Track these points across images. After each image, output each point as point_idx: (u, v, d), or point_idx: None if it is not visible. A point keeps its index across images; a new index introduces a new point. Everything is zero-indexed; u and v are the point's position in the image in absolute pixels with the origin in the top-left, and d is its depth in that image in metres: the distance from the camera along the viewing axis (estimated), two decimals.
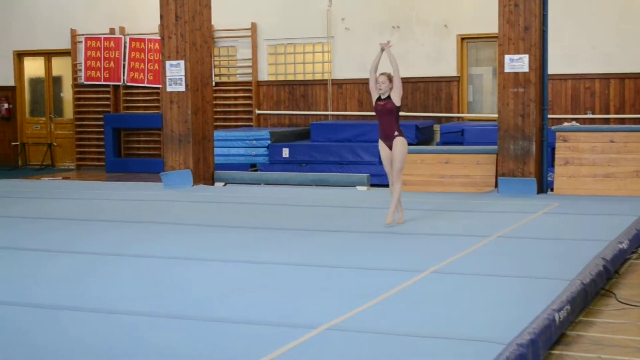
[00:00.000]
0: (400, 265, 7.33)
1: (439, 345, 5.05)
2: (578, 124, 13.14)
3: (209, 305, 6.11)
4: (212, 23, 17.00)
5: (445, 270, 7.11)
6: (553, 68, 15.77)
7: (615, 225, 9.15)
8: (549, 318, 5.57)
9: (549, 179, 12.53)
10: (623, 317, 6.42)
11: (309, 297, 6.30)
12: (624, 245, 8.29)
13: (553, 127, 12.80)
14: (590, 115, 16.09)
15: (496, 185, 12.43)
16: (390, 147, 9.46)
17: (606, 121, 15.96)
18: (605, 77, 16.13)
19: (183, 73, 13.75)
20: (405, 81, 17.40)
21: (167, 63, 13.87)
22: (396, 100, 9.46)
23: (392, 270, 7.13)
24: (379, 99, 9.59)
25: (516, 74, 12.13)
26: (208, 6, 14.20)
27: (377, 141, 9.23)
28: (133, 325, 5.59)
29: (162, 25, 13.92)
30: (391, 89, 9.54)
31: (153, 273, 7.28)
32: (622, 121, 15.82)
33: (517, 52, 12.12)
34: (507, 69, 12.16)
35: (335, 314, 5.67)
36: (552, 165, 12.58)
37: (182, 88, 13.77)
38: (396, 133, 9.44)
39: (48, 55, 20.75)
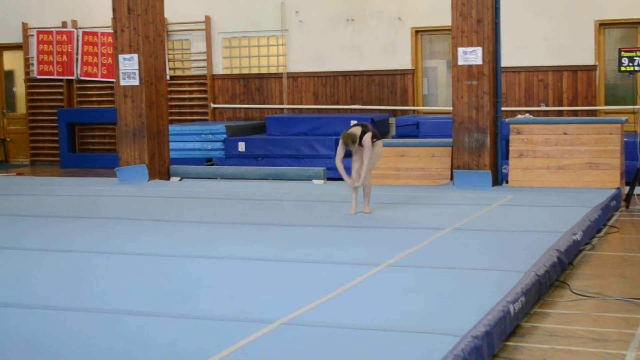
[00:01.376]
0: (357, 259, 7.34)
1: (394, 338, 5.06)
2: (531, 116, 13.24)
3: (164, 301, 6.07)
4: (166, 16, 16.89)
5: (401, 264, 7.13)
6: (507, 60, 15.87)
7: (569, 217, 9.23)
8: (503, 310, 5.61)
9: (504, 171, 12.61)
10: (577, 308, 6.49)
11: (265, 292, 6.29)
12: (578, 237, 8.37)
13: (507, 120, 12.88)
14: (543, 108, 16.22)
15: (452, 178, 12.48)
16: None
17: (559, 113, 16.10)
18: (558, 70, 16.26)
19: (137, 67, 13.64)
20: (360, 74, 17.48)
21: (120, 57, 13.75)
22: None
23: (348, 264, 7.14)
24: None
25: (470, 66, 12.18)
26: None
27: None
28: (79, 322, 5.53)
29: (114, 19, 13.79)
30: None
31: (105, 269, 7.22)
32: (575, 113, 15.97)
33: (471, 45, 12.18)
34: (460, 62, 12.22)
35: (291, 309, 5.66)
36: (507, 158, 12.66)
37: (136, 82, 13.66)
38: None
39: (0, 49, 20.47)
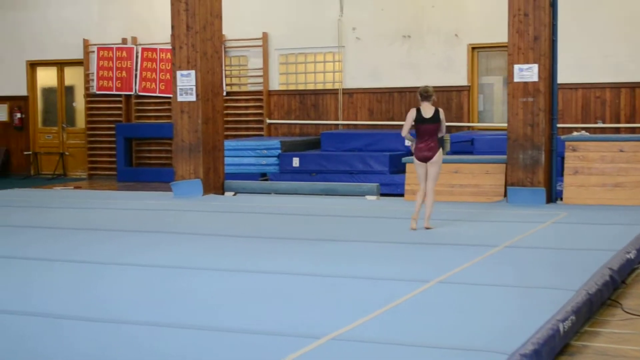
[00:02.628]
0: (407, 275, 7.36)
1: (442, 355, 5.08)
2: (587, 134, 13.14)
3: (215, 314, 6.15)
4: (224, 33, 17.12)
5: (452, 280, 7.13)
6: (564, 77, 15.80)
7: (623, 235, 9.16)
8: (553, 328, 5.59)
9: (559, 188, 12.54)
10: (629, 327, 6.43)
11: (315, 307, 6.34)
12: (632, 255, 8.30)
13: (562, 137, 12.81)
14: (600, 125, 16.09)
15: (505, 195, 12.44)
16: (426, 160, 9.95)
17: (617, 130, 15.96)
18: (616, 87, 16.13)
19: (194, 83, 13.84)
20: (416, 90, 17.45)
21: (178, 73, 13.96)
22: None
23: (399, 280, 7.16)
24: (423, 118, 9.94)
25: (525, 83, 12.16)
26: (219, 16, 14.30)
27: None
28: (138, 335, 5.63)
29: (173, 36, 14.01)
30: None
31: (160, 282, 7.33)
32: (632, 130, 15.82)
33: (527, 62, 12.16)
34: (516, 79, 12.20)
35: (341, 324, 5.70)
36: (562, 175, 12.58)
37: (193, 98, 13.85)
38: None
39: (60, 65, 20.87)
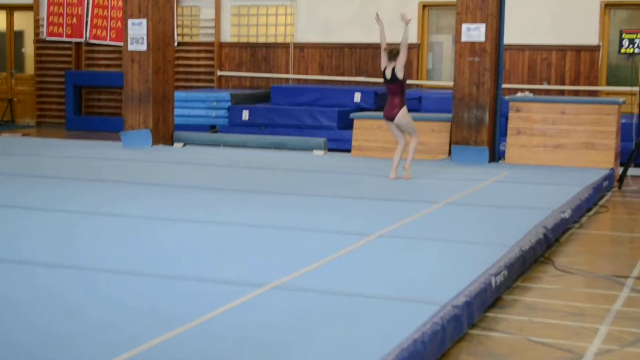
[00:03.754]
0: (350, 229, 7.57)
1: (377, 305, 5.30)
2: (531, 95, 13.40)
3: (163, 263, 6.30)
4: None
5: (392, 235, 7.36)
6: (511, 38, 16.03)
7: (560, 195, 9.45)
8: (485, 282, 5.85)
9: (502, 148, 12.81)
10: (559, 283, 6.73)
11: (259, 257, 6.53)
12: (566, 215, 8.59)
13: (506, 97, 13.06)
14: (546, 86, 16.38)
15: (450, 153, 12.69)
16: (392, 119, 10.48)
17: (561, 92, 16.26)
18: (562, 49, 16.41)
19: (145, 32, 13.83)
20: (366, 47, 17.64)
21: (129, 21, 13.94)
22: (399, 71, 10.32)
23: (341, 234, 7.37)
24: (385, 79, 10.44)
25: (473, 43, 12.36)
26: None
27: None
28: (92, 280, 5.78)
29: None
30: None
31: (112, 231, 7.45)
32: (576, 93, 16.12)
33: (475, 21, 12.34)
34: (463, 38, 12.39)
35: (282, 274, 5.90)
36: (505, 135, 12.85)
37: (144, 47, 13.86)
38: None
39: (10, 9, 20.63)
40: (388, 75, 10.41)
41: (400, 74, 10.33)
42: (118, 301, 5.32)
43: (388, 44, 10.57)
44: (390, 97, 10.46)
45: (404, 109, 10.48)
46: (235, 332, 4.76)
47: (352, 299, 5.42)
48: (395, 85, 10.37)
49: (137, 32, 13.88)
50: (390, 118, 10.47)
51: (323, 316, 5.10)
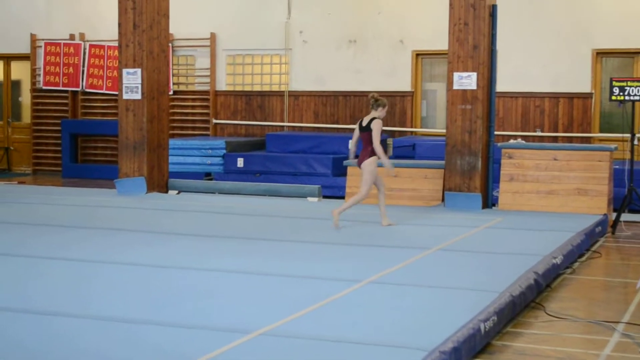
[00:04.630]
0: (341, 275, 7.56)
1: (365, 351, 5.27)
2: (524, 142, 13.48)
3: (151, 309, 6.28)
4: (172, 32, 17.23)
5: (383, 281, 7.35)
6: (504, 86, 16.19)
7: (552, 241, 9.46)
8: (474, 327, 5.83)
9: (495, 194, 12.85)
10: (550, 329, 6.71)
11: (249, 304, 6.51)
12: (558, 260, 8.59)
13: (499, 144, 13.12)
14: (539, 133, 16.46)
15: (443, 200, 12.72)
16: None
17: (554, 139, 16.34)
18: (555, 96, 16.51)
19: (140, 81, 13.93)
20: (361, 95, 17.74)
21: (124, 71, 14.04)
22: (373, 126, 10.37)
23: (332, 280, 7.36)
24: (360, 126, 10.50)
25: (464, 91, 12.45)
26: (166, 15, 14.40)
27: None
28: (65, 328, 5.74)
29: (120, 33, 14.09)
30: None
31: (97, 278, 7.45)
32: (570, 139, 16.20)
33: (466, 70, 12.44)
34: (455, 86, 12.48)
35: (272, 320, 5.89)
36: (498, 181, 12.89)
37: (139, 96, 13.94)
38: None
39: (7, 59, 20.77)
40: (364, 123, 10.42)
41: (373, 127, 10.32)
42: (105, 349, 5.30)
43: (374, 94, 10.59)
44: (363, 144, 10.51)
45: (373, 159, 10.42)
46: None
47: (340, 345, 5.40)
48: (366, 133, 10.40)
49: (132, 81, 13.97)
50: (359, 164, 10.54)
51: None
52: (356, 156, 10.90)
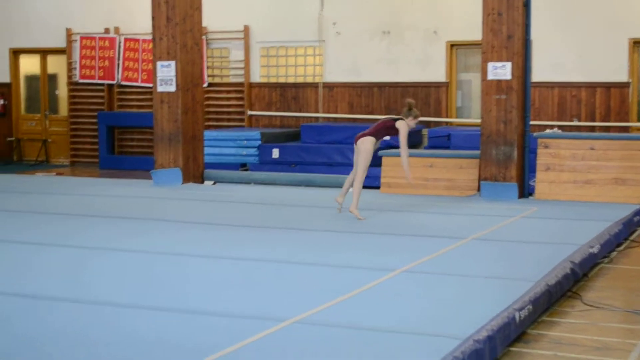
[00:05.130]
0: (375, 264, 7.52)
1: (399, 339, 5.24)
2: (560, 131, 13.35)
3: (188, 298, 6.30)
4: (206, 25, 17.28)
5: (417, 270, 7.30)
6: (541, 76, 16.07)
7: (589, 230, 9.34)
8: (508, 316, 5.77)
9: (531, 184, 12.73)
10: (586, 318, 6.63)
11: (284, 292, 6.51)
12: (595, 250, 8.49)
13: (535, 134, 13.00)
14: (576, 123, 16.30)
15: (479, 189, 12.62)
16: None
17: (591, 128, 16.17)
18: (592, 86, 16.34)
19: (174, 74, 13.95)
20: (395, 85, 17.68)
21: (158, 64, 14.07)
22: (399, 126, 10.35)
23: (367, 269, 7.32)
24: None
25: (499, 81, 12.33)
26: (199, 9, 14.41)
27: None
28: (114, 316, 5.78)
29: (153, 27, 14.12)
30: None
31: (138, 267, 7.48)
32: (607, 129, 16.04)
33: (500, 60, 12.32)
34: (490, 76, 12.37)
35: (305, 308, 5.87)
36: (534, 171, 12.77)
37: (173, 88, 13.98)
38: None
39: (44, 53, 20.94)
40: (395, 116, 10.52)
41: (398, 126, 10.30)
42: (141, 337, 5.32)
43: (411, 102, 10.61)
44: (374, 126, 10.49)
45: (371, 140, 10.31)
46: None
47: (374, 333, 5.37)
48: (384, 122, 10.42)
49: (166, 74, 14.00)
50: (356, 141, 10.45)
51: (344, 350, 5.05)
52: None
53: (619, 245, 9.74)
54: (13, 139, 21.25)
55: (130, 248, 8.30)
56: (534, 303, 6.32)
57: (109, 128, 19.74)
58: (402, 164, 10.41)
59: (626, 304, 7.09)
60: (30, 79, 21.36)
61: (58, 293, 6.42)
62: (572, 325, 6.44)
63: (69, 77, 20.39)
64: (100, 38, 19.78)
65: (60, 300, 6.20)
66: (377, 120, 17.47)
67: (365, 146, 10.31)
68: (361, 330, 5.41)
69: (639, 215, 11.14)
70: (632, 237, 10.39)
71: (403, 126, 10.31)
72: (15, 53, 21.08)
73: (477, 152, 12.86)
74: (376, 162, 15.10)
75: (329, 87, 18.22)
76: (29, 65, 21.26)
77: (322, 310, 5.88)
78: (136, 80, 19.61)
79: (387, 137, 10.91)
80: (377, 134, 10.40)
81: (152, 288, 6.66)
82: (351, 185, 10.55)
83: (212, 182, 14.51)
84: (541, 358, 5.59)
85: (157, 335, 5.33)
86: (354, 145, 10.51)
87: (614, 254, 9.32)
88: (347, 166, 15.69)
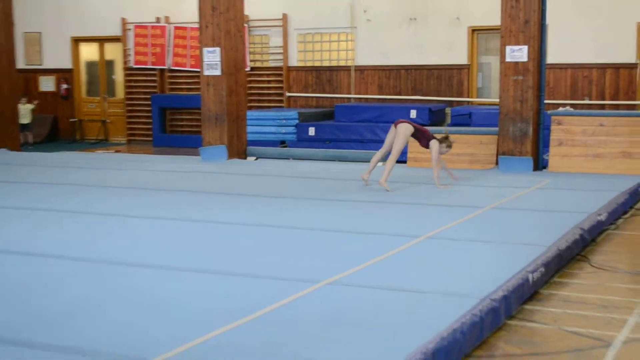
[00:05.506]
0: (401, 231, 7.57)
1: (422, 298, 5.32)
2: (572, 109, 13.28)
3: (230, 262, 6.40)
4: (248, 13, 17.32)
5: (440, 236, 7.35)
6: (555, 58, 15.96)
7: (598, 200, 9.33)
8: (523, 278, 5.82)
9: (545, 157, 12.70)
10: (593, 279, 6.66)
11: (316, 257, 6.58)
12: (603, 217, 8.49)
13: (549, 112, 12.95)
14: (587, 101, 16.20)
15: (497, 163, 12.62)
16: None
17: (602, 107, 16.07)
18: (602, 67, 16.22)
19: (219, 59, 14.03)
20: (421, 68, 17.65)
21: (205, 50, 14.15)
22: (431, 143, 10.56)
23: (393, 235, 7.38)
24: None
25: (516, 63, 12.28)
26: None
27: (393, 122, 10.30)
28: (164, 278, 5.90)
29: (200, 16, 14.19)
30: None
31: (187, 235, 7.59)
32: (616, 107, 15.93)
33: (517, 43, 12.27)
34: (508, 59, 12.33)
35: (337, 271, 5.95)
36: (548, 146, 12.74)
37: (218, 72, 14.06)
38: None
39: (101, 41, 21.11)
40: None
41: (431, 145, 10.47)
42: (179, 299, 5.43)
43: (448, 135, 10.77)
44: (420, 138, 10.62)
45: (411, 129, 10.43)
46: (292, 323, 4.82)
47: (399, 293, 5.45)
48: (427, 131, 10.63)
49: (212, 59, 14.08)
50: (396, 124, 10.49)
51: (372, 308, 5.13)
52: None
53: (624, 213, 9.71)
54: (75, 120, 21.50)
55: (184, 217, 8.40)
56: (546, 266, 6.37)
57: (161, 109, 19.90)
58: (433, 173, 10.56)
59: (630, 266, 7.11)
60: (90, 65, 21.56)
61: (122, 258, 6.56)
62: (581, 285, 6.48)
63: (125, 63, 20.56)
64: (152, 27, 19.90)
65: (124, 264, 6.33)
66: (404, 99, 17.55)
67: (404, 131, 10.39)
68: (389, 291, 5.49)
69: None
70: (637, 206, 10.35)
71: (435, 147, 10.49)
72: (76, 42, 21.28)
73: (496, 129, 12.85)
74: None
75: (360, 70, 18.23)
76: (89, 52, 21.47)
77: (353, 272, 5.96)
78: (185, 65, 19.73)
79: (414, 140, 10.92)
80: (416, 130, 10.51)
81: (201, 253, 6.76)
82: (377, 162, 10.58)
83: (255, 157, 14.61)
84: (551, 315, 5.64)
85: (193, 298, 5.40)
86: (393, 126, 10.53)
87: (620, 221, 9.31)
88: (377, 143, 15.75)
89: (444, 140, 10.60)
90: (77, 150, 18.30)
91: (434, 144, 10.51)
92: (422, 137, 10.58)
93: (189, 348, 4.37)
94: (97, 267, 6.22)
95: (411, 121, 10.69)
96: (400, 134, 10.39)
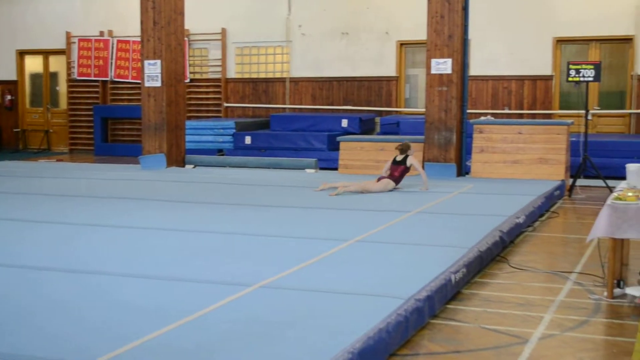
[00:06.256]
0: (331, 235, 7.51)
1: (349, 300, 5.26)
2: (492, 118, 13.39)
3: (166, 267, 6.25)
4: (188, 28, 17.14)
5: (367, 240, 7.31)
6: (477, 70, 16.11)
7: (516, 203, 9.41)
8: (445, 278, 5.81)
9: (467, 164, 12.79)
10: (512, 279, 6.69)
11: (250, 261, 6.48)
12: (521, 220, 8.56)
13: (471, 121, 13.05)
14: (506, 111, 16.36)
15: (423, 169, 12.63)
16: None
17: (520, 116, 16.25)
18: (521, 79, 16.41)
19: (159, 71, 13.85)
20: (352, 80, 17.65)
21: (146, 62, 13.95)
22: (410, 162, 10.91)
23: (324, 240, 7.31)
24: (394, 161, 11.00)
25: (441, 75, 12.36)
26: (182, 13, 14.30)
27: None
28: (100, 284, 5.74)
29: (142, 30, 14.00)
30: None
31: (124, 240, 7.41)
32: (533, 116, 16.11)
33: (442, 57, 12.35)
34: (433, 71, 12.39)
35: (269, 275, 5.86)
36: (470, 153, 12.82)
37: (158, 84, 13.87)
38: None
39: (46, 54, 20.66)
40: (397, 159, 10.90)
41: (408, 163, 10.80)
42: (123, 302, 5.29)
43: (403, 145, 10.99)
44: (391, 173, 10.82)
45: (391, 182, 10.71)
46: (225, 325, 4.72)
47: (328, 295, 5.38)
48: (400, 166, 10.82)
49: (153, 71, 13.89)
50: (380, 179, 10.80)
51: (302, 310, 5.05)
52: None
53: (541, 216, 9.84)
54: (19, 129, 21.00)
55: (122, 224, 8.23)
56: (468, 267, 6.38)
57: (103, 119, 19.54)
58: (422, 178, 10.91)
59: (547, 266, 7.16)
60: (34, 77, 21.08)
61: (54, 264, 6.36)
62: (500, 285, 6.50)
63: (68, 74, 20.15)
64: (96, 40, 19.55)
65: (56, 270, 6.13)
66: (336, 109, 17.54)
67: (384, 185, 10.68)
68: (317, 293, 5.42)
69: (559, 190, 11.26)
70: (552, 209, 10.49)
71: (413, 159, 10.87)
72: (21, 54, 20.79)
73: (422, 137, 12.90)
74: (335, 146, 15.14)
75: (295, 81, 18.16)
76: (33, 64, 20.98)
77: (284, 276, 5.87)
78: (127, 77, 19.42)
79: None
80: (397, 179, 10.80)
81: (137, 258, 6.60)
82: (341, 190, 10.56)
83: (193, 165, 14.44)
84: (473, 314, 5.63)
85: (138, 300, 5.29)
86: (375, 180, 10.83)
87: (537, 223, 9.42)
88: (310, 151, 15.70)
89: (408, 149, 10.87)
90: (20, 159, 17.86)
91: (411, 160, 10.81)
92: (398, 165, 10.84)
93: (123, 352, 4.23)
94: (19, 273, 6.01)
95: (392, 172, 10.88)
96: (379, 184, 10.67)
